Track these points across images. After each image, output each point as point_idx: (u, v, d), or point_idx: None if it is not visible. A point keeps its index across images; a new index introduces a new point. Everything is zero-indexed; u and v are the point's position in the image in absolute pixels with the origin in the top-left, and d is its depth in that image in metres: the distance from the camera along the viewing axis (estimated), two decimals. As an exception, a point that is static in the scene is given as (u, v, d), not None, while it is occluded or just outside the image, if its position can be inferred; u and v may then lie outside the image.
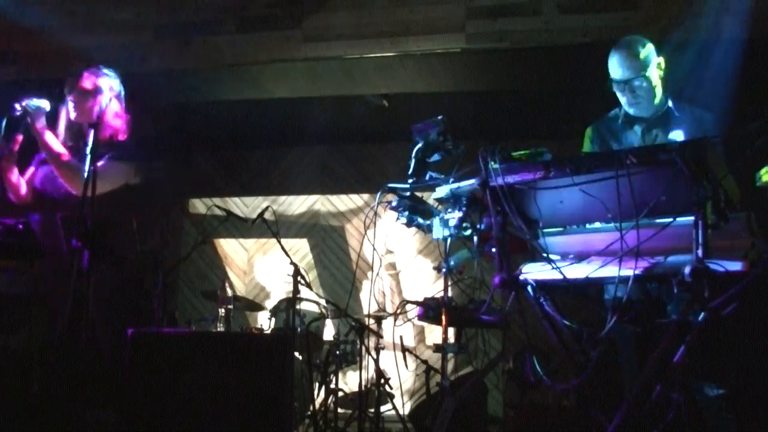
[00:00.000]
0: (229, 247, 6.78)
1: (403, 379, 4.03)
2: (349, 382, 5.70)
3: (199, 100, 5.17)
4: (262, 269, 6.66)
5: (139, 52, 4.47)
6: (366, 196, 6.56)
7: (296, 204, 6.71)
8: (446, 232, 2.39)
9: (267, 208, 4.40)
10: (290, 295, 4.31)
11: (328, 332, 5.27)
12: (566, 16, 3.99)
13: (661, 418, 1.87)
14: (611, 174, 1.87)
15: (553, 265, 2.01)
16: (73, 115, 3.03)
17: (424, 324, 5.50)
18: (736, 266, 1.76)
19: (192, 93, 4.97)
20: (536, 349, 2.29)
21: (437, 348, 2.54)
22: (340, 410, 4.66)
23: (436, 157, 2.54)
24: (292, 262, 4.22)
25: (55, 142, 2.94)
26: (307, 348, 4.40)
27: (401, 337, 3.93)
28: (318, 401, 4.49)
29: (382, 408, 4.32)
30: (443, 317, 2.46)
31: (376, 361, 4.32)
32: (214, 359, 3.13)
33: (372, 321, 4.53)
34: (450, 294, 2.54)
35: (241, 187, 6.82)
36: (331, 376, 4.55)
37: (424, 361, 4.46)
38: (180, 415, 3.03)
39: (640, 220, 1.86)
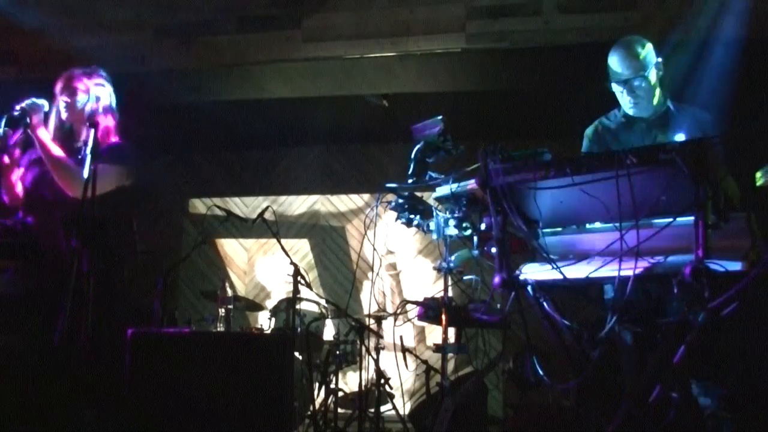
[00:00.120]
0: (229, 247, 6.78)
1: (403, 379, 4.02)
2: (349, 382, 5.70)
3: (199, 100, 5.17)
4: (263, 269, 6.67)
5: (139, 52, 4.47)
6: (366, 197, 6.56)
7: (296, 204, 6.71)
8: (446, 232, 2.39)
9: (267, 208, 4.40)
10: (290, 295, 4.32)
11: (328, 332, 5.27)
12: (566, 16, 3.99)
13: (661, 418, 1.87)
14: (611, 174, 1.87)
15: (553, 265, 2.00)
16: (64, 115, 3.01)
17: (424, 324, 5.51)
18: (736, 266, 1.76)
19: (192, 93, 4.97)
20: (536, 349, 2.29)
21: (437, 348, 2.55)
22: (340, 410, 4.66)
23: (436, 157, 2.54)
24: (292, 262, 4.22)
25: (53, 144, 2.94)
26: (307, 348, 4.41)
27: (401, 338, 3.93)
28: (318, 401, 4.49)
29: (382, 408, 4.32)
30: (443, 317, 2.47)
31: (376, 361, 4.32)
32: (214, 359, 3.14)
33: (372, 321, 4.54)
34: (450, 294, 2.55)
35: (241, 187, 6.82)
36: (331, 376, 4.55)
37: (424, 361, 4.46)
38: (180, 415, 3.03)
39: (640, 220, 1.86)
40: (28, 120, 2.88)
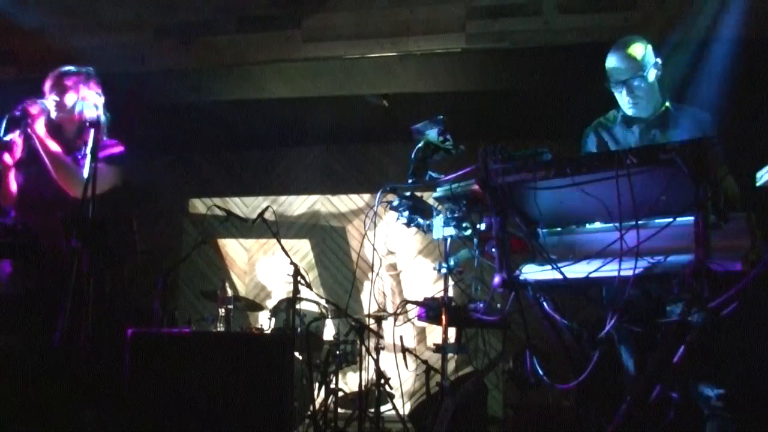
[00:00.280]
0: (230, 247, 6.78)
1: (403, 379, 4.02)
2: (349, 382, 5.70)
3: (199, 100, 5.18)
4: (263, 269, 6.67)
5: (139, 52, 4.47)
6: (366, 197, 6.56)
7: (296, 204, 6.71)
8: (446, 232, 2.39)
9: (267, 208, 4.40)
10: (290, 295, 4.32)
11: (328, 332, 5.27)
12: (566, 16, 3.99)
13: (661, 418, 1.87)
14: (611, 174, 1.87)
15: (553, 265, 2.00)
16: (54, 114, 3.01)
17: (425, 324, 5.51)
18: (736, 266, 1.76)
19: (192, 93, 4.97)
20: (536, 349, 2.29)
21: (437, 348, 2.55)
22: (340, 410, 4.67)
23: (436, 157, 2.54)
24: (292, 262, 4.22)
25: (53, 143, 2.94)
26: (307, 348, 4.40)
27: (401, 338, 3.93)
28: (318, 401, 4.49)
29: (382, 408, 4.32)
30: (443, 317, 2.47)
31: (376, 361, 4.32)
32: (214, 359, 3.14)
33: (372, 321, 4.54)
34: (450, 294, 2.55)
35: (241, 187, 6.82)
36: (331, 376, 4.55)
37: (424, 362, 4.46)
38: (180, 415, 3.03)
39: (640, 220, 1.86)
40: (29, 120, 2.88)
